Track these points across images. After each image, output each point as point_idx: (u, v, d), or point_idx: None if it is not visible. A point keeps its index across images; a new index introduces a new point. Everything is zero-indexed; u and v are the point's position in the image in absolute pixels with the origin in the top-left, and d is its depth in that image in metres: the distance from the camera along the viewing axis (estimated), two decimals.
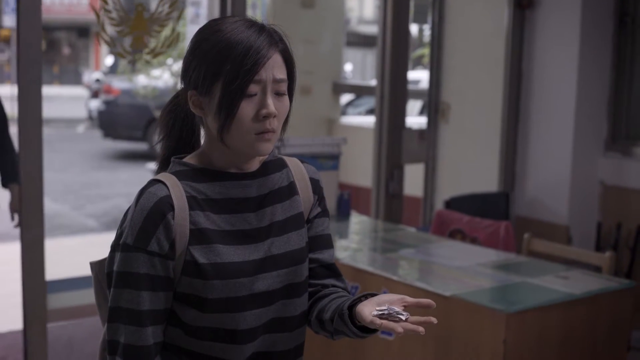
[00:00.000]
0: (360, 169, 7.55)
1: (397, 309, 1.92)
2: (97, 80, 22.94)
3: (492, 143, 6.41)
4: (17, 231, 4.38)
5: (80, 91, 31.53)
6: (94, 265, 2.21)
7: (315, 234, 2.23)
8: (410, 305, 1.95)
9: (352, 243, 4.80)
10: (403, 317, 1.91)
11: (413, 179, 6.69)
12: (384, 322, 1.89)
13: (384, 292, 2.26)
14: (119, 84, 17.25)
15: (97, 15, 4.70)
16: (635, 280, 5.04)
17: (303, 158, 2.29)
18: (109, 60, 34.12)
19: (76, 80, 35.63)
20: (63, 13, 36.29)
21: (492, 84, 6.37)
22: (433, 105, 6.86)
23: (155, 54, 4.97)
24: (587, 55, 5.86)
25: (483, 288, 3.88)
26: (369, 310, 1.94)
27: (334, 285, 2.25)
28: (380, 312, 1.92)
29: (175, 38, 5.15)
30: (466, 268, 4.14)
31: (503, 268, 4.21)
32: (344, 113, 11.83)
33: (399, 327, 1.87)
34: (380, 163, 6.02)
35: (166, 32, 5.04)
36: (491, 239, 5.18)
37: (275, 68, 2.00)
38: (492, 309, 3.57)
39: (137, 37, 4.91)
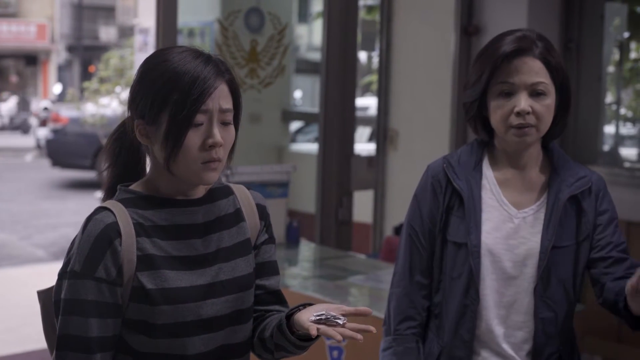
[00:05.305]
0: (310, 195, 7.55)
1: (334, 313, 1.95)
2: (45, 109, 22.85)
3: None
4: None
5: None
6: (41, 294, 2.19)
7: (262, 260, 2.25)
8: (348, 314, 1.97)
9: (302, 271, 4.81)
10: (340, 322, 1.94)
11: (362, 206, 6.71)
12: (322, 327, 1.92)
13: None
14: (67, 112, 17.19)
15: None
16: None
17: (251, 186, 2.30)
18: (57, 88, 34.01)
19: (24, 108, 35.36)
20: (11, 41, 36.02)
21: (439, 110, 6.41)
22: (382, 132, 6.89)
23: (265, 84, 5.75)
24: None
25: None
26: (306, 316, 1.97)
27: (278, 312, 2.26)
28: (317, 317, 1.95)
29: (281, 70, 5.83)
30: None
31: None
32: (293, 140, 11.85)
33: (337, 335, 1.89)
34: (331, 190, 6.02)
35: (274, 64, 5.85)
36: None
37: (221, 98, 2.02)
38: None
39: (251, 68, 5.66)
